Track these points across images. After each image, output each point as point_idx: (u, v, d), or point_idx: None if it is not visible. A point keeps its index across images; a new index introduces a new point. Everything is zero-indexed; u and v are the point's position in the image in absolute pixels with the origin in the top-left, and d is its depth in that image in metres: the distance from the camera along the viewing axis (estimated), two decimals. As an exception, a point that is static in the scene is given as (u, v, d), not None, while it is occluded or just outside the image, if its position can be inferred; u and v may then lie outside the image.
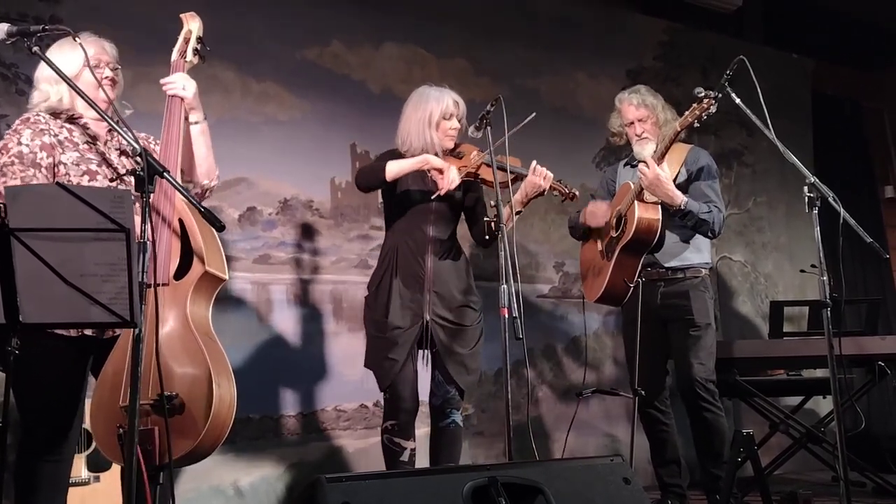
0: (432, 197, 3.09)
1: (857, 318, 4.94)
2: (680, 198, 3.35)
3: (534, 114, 3.02)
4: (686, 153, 3.55)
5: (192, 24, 2.55)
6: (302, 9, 4.15)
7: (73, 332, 2.33)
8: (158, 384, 2.09)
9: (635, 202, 3.37)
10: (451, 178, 3.02)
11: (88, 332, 2.35)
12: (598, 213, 3.57)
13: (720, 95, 3.08)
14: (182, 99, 2.45)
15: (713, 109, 3.14)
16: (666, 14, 5.51)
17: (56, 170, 2.37)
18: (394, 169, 3.04)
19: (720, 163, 5.46)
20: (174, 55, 2.53)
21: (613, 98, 3.71)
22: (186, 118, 2.48)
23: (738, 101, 3.01)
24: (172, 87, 2.46)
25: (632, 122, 3.58)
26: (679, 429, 3.68)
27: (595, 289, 3.57)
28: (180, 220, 2.34)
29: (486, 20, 4.75)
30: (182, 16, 2.57)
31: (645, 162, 3.36)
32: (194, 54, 2.53)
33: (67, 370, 2.36)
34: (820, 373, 4.57)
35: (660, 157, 3.36)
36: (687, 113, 3.23)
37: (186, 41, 2.53)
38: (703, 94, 3.12)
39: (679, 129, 3.28)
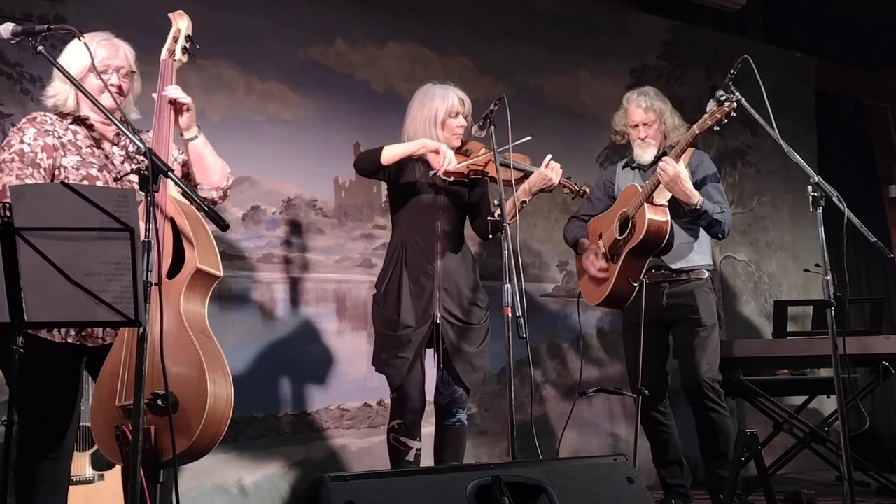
0: (430, 174, 3.06)
1: (862, 318, 4.94)
2: (697, 197, 3.34)
3: (529, 136, 3.03)
4: (689, 157, 3.54)
5: (181, 23, 2.55)
6: (305, 8, 4.15)
7: (56, 338, 2.33)
8: (153, 383, 2.09)
9: (644, 204, 3.34)
10: (447, 157, 3.00)
11: (71, 339, 2.35)
12: (594, 268, 3.53)
13: (741, 98, 3.05)
14: (173, 105, 2.44)
15: (734, 114, 3.11)
16: (669, 13, 5.51)
17: (56, 172, 2.38)
18: (390, 153, 3.02)
19: (724, 162, 5.48)
20: (163, 54, 2.53)
21: (617, 97, 3.70)
22: (177, 122, 2.47)
23: (742, 100, 3.01)
24: (175, 92, 2.45)
25: (637, 125, 3.56)
26: (681, 429, 3.67)
27: (598, 292, 3.54)
28: (171, 220, 2.34)
29: (489, 19, 4.75)
30: (170, 15, 2.58)
31: (664, 162, 3.32)
32: (183, 53, 2.53)
33: (60, 368, 2.35)
34: (824, 372, 4.56)
35: (677, 157, 3.34)
36: (706, 116, 3.18)
37: (175, 40, 2.54)
38: (724, 98, 3.08)
39: (697, 133, 3.24)
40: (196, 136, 2.52)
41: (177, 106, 2.45)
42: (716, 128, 3.20)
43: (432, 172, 3.05)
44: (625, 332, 3.69)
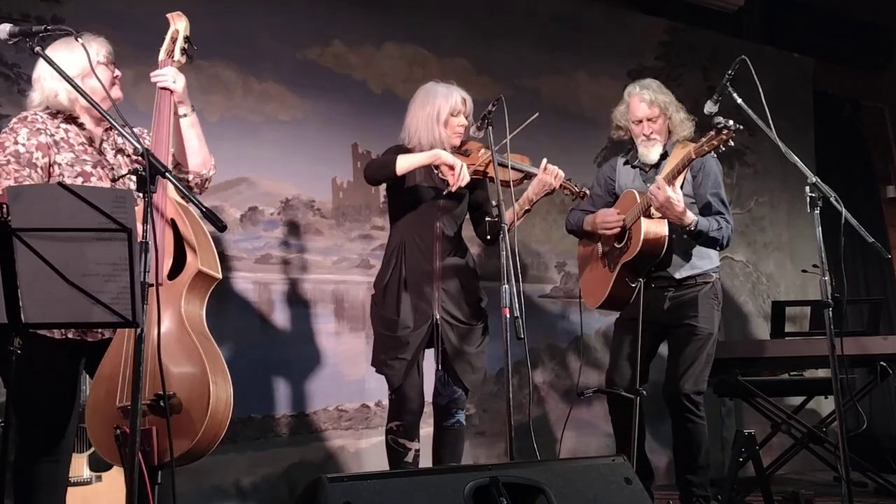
0: (444, 192, 3.07)
1: (859, 318, 4.94)
2: (690, 219, 3.22)
3: (536, 114, 3.01)
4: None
5: (179, 24, 2.57)
6: (303, 8, 4.15)
7: (56, 335, 2.33)
8: (156, 384, 2.09)
9: (641, 217, 3.26)
10: (462, 175, 2.97)
11: (71, 335, 2.35)
12: (609, 221, 3.40)
13: (741, 128, 2.96)
14: (171, 93, 2.47)
15: (732, 143, 3.00)
16: (667, 13, 5.51)
17: (51, 170, 2.38)
18: (404, 164, 3.00)
19: (722, 162, 5.39)
20: (161, 55, 2.54)
21: (615, 97, 3.62)
22: (176, 112, 2.49)
23: (739, 101, 2.99)
24: (163, 79, 2.48)
25: (640, 121, 3.42)
26: (664, 432, 3.62)
27: (596, 296, 3.50)
28: (172, 221, 2.34)
29: (487, 20, 4.75)
30: (168, 15, 2.59)
31: (655, 185, 3.20)
32: (182, 54, 2.55)
33: (58, 369, 2.36)
34: (822, 373, 4.57)
35: (672, 178, 3.19)
36: (703, 140, 3.08)
37: (174, 41, 2.55)
38: (721, 125, 2.96)
39: (693, 157, 3.14)
40: (185, 116, 2.53)
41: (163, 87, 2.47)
42: (713, 154, 3.12)
43: (445, 191, 3.05)
44: (617, 324, 3.58)
